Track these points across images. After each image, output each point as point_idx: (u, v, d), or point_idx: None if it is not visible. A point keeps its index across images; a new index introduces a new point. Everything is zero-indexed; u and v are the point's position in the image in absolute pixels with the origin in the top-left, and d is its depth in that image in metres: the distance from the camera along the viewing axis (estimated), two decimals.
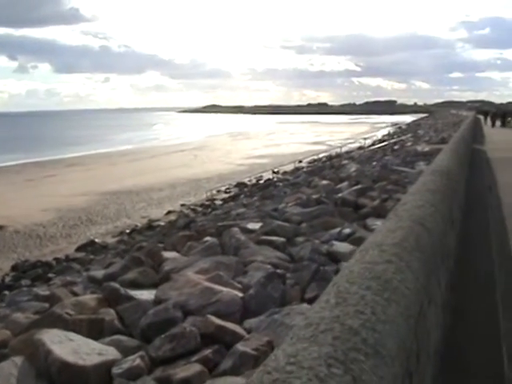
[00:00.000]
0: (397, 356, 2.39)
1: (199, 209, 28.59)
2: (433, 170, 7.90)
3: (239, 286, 7.37)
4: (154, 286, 8.22)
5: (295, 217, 11.96)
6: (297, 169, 41.15)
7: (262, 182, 36.37)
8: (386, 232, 3.92)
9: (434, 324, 4.36)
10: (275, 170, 39.93)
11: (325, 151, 51.16)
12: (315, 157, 46.78)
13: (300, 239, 9.85)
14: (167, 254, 10.25)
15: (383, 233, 3.91)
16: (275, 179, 36.03)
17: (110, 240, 22.96)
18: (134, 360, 5.55)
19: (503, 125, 61.27)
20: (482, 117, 72.14)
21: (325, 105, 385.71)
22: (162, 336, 5.97)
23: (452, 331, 5.51)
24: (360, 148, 50.25)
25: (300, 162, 44.84)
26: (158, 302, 7.23)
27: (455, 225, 7.90)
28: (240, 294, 6.93)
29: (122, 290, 7.76)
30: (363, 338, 2.24)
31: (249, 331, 5.97)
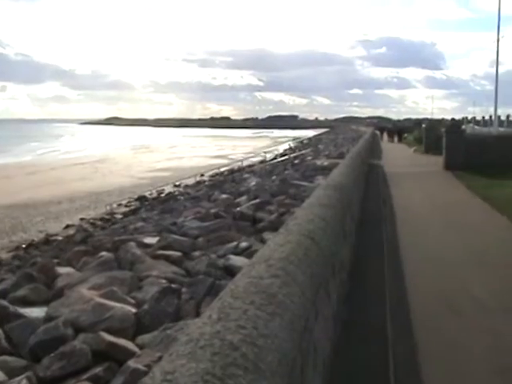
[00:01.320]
0: (277, 370, 2.39)
1: (99, 223, 28.00)
2: (327, 184, 8.05)
3: (133, 301, 7.27)
4: (46, 302, 7.98)
5: (193, 231, 11.93)
6: (198, 182, 41.04)
7: (163, 195, 36.06)
8: (274, 246, 3.94)
9: (323, 336, 4.42)
10: (177, 184, 39.70)
11: (227, 165, 51.30)
12: (217, 170, 46.84)
13: (197, 253, 9.83)
14: (61, 270, 9.99)
15: (272, 247, 3.93)
16: (176, 193, 35.81)
17: (5, 255, 22.12)
18: (20, 381, 5.34)
19: (400, 140, 63.82)
20: (379, 132, 74.44)
21: (228, 119, 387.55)
22: (52, 354, 5.79)
23: (342, 343, 5.61)
24: (261, 162, 50.70)
25: (202, 175, 44.77)
26: (48, 319, 7.02)
27: (348, 238, 8.07)
28: (133, 310, 6.83)
29: (11, 308, 7.48)
30: (243, 352, 2.23)
31: (141, 347, 5.89)
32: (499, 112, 55.25)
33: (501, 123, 54.34)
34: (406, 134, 69.04)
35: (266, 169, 38.15)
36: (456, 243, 10.87)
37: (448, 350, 5.78)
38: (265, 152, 64.67)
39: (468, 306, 7.17)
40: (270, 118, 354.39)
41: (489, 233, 11.87)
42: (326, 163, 27.94)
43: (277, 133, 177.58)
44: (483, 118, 68.96)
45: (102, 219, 29.05)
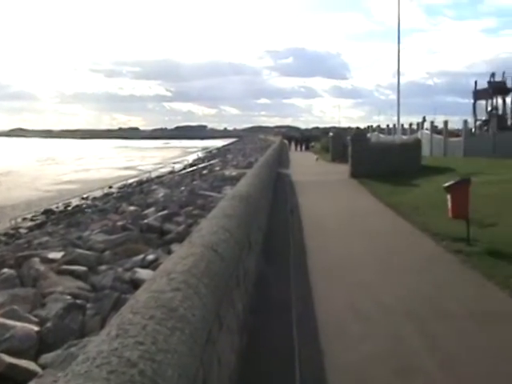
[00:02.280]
0: None
1: (2, 238, 27.07)
2: (232, 195, 8.08)
3: (36, 319, 7.07)
4: None
5: (99, 244, 11.74)
6: (106, 194, 40.38)
7: (70, 208, 35.27)
8: (176, 259, 3.93)
9: (227, 348, 4.44)
10: (84, 196, 38.92)
11: (135, 176, 50.68)
12: (125, 182, 46.22)
13: (103, 267, 9.67)
14: None
15: (174, 260, 3.92)
16: (84, 205, 35.11)
17: None
18: None
19: (307, 149, 65.07)
20: (287, 142, 75.42)
21: (136, 129, 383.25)
22: None
23: (248, 353, 5.65)
24: (170, 173, 50.41)
25: (110, 187, 44.04)
26: None
27: (254, 248, 8.13)
28: (36, 328, 6.64)
29: None
30: (141, 369, 2.22)
31: (44, 367, 5.73)
32: (402, 120, 57.24)
33: (404, 131, 56.17)
34: (313, 143, 70.37)
35: (174, 179, 37.98)
36: (362, 249, 11.12)
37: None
38: (174, 163, 64.36)
39: (373, 309, 7.34)
40: (178, 128, 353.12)
41: (393, 238, 12.20)
42: (234, 173, 28.10)
43: (186, 143, 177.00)
44: (387, 126, 71.14)
45: (5, 234, 28.06)
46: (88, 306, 7.34)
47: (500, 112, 54.70)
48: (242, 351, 5.39)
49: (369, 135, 61.45)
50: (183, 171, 47.53)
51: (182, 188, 26.72)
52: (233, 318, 4.94)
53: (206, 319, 3.25)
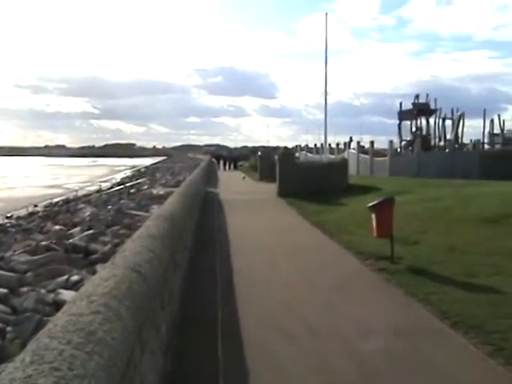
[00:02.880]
0: None
1: None
2: (158, 214, 8.03)
3: None
4: None
5: (22, 265, 11.42)
6: (31, 213, 39.37)
7: None
8: (98, 281, 3.86)
9: (151, 369, 4.38)
10: (8, 215, 37.84)
11: (62, 195, 49.64)
12: (51, 201, 45.21)
13: (25, 289, 9.41)
14: None
15: (96, 282, 3.85)
16: (8, 224, 34.11)
17: None
18: None
19: (235, 168, 65.51)
20: (216, 160, 75.53)
21: (63, 147, 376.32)
22: None
23: (172, 374, 5.59)
24: (98, 191, 49.60)
25: (36, 206, 42.99)
26: None
27: (180, 268, 8.08)
28: None
29: None
30: None
31: None
32: (330, 140, 58.09)
33: (331, 150, 57.07)
34: (242, 162, 70.73)
35: (101, 198, 37.40)
36: (287, 267, 11.19)
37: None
38: (101, 181, 63.43)
39: (297, 328, 7.38)
40: (107, 146, 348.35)
41: (318, 257, 12.33)
42: (161, 192, 27.96)
43: (114, 161, 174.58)
44: (315, 145, 72.13)
45: None
46: (8, 329, 7.13)
47: (424, 132, 56.17)
48: (165, 373, 5.33)
49: (297, 154, 62.25)
50: (111, 190, 46.88)
51: (109, 207, 26.33)
52: (156, 339, 4.88)
53: (127, 342, 3.20)
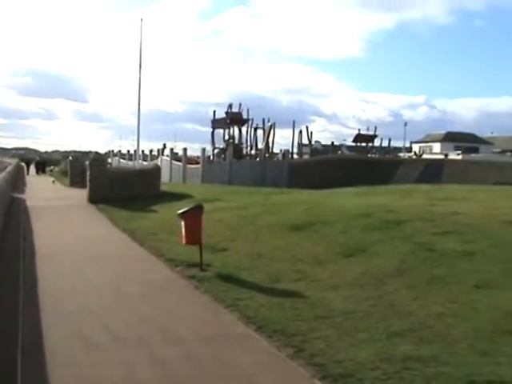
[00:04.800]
0: None
1: None
2: None
3: None
4: None
5: None
6: None
7: None
8: None
9: None
10: None
11: None
12: None
13: None
14: None
15: None
16: None
17: None
18: None
19: (44, 172, 63.46)
20: (25, 164, 72.35)
21: None
22: None
23: None
24: None
25: None
26: None
27: None
28: None
29: None
30: None
31: None
32: (144, 146, 57.79)
33: (145, 157, 56.80)
34: (52, 167, 68.40)
35: None
36: (95, 275, 10.94)
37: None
38: None
39: (103, 337, 7.22)
40: None
41: (127, 264, 12.16)
42: None
43: None
44: (128, 151, 71.46)
45: None
46: None
47: (236, 141, 57.62)
48: None
49: (110, 160, 61.21)
50: None
51: None
52: None
53: None
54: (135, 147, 44.19)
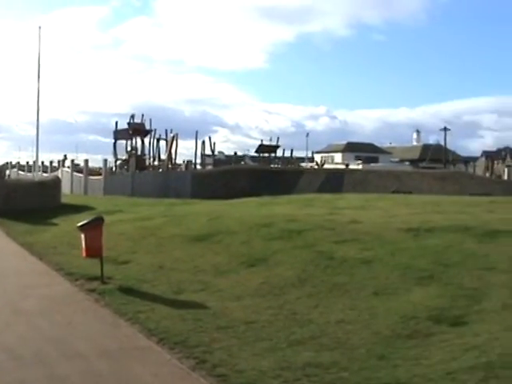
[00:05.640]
0: None
1: None
2: None
3: None
4: None
5: None
6: None
7: None
8: None
9: None
10: None
11: None
12: None
13: None
14: None
15: None
16: None
17: None
18: None
19: None
20: None
21: None
22: None
23: None
24: None
25: None
26: None
27: None
28: None
29: None
30: None
31: None
32: (44, 157, 56.24)
33: (45, 168, 55.34)
34: None
35: None
36: None
37: None
38: None
39: None
40: None
41: (25, 279, 11.84)
42: None
43: None
44: (27, 163, 69.27)
45: None
46: None
47: (139, 152, 56.94)
48: None
49: (8, 172, 59.26)
50: None
51: None
52: None
53: None
54: (34, 158, 43.06)
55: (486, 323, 7.46)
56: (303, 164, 78.99)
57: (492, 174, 62.29)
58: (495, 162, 68.49)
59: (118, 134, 57.40)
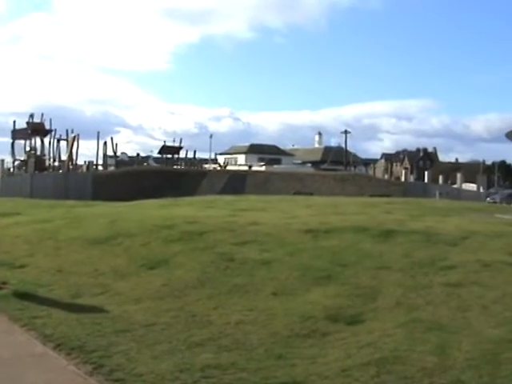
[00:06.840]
0: None
1: None
2: None
3: None
4: None
5: None
6: None
7: None
8: None
9: None
10: None
11: None
12: None
13: None
14: None
15: None
16: None
17: None
18: None
19: None
20: None
21: None
22: None
23: None
24: None
25: None
26: None
27: None
28: None
29: None
30: None
31: None
32: None
33: None
34: None
35: None
36: None
37: None
38: None
39: None
40: None
41: None
42: None
43: None
44: None
45: None
46: None
47: (39, 152, 55.50)
48: None
49: None
50: None
51: None
52: None
53: None
54: None
55: (380, 321, 7.74)
56: (206, 165, 79.16)
57: (391, 175, 64.47)
58: (394, 164, 70.87)
59: (17, 134, 55.75)
